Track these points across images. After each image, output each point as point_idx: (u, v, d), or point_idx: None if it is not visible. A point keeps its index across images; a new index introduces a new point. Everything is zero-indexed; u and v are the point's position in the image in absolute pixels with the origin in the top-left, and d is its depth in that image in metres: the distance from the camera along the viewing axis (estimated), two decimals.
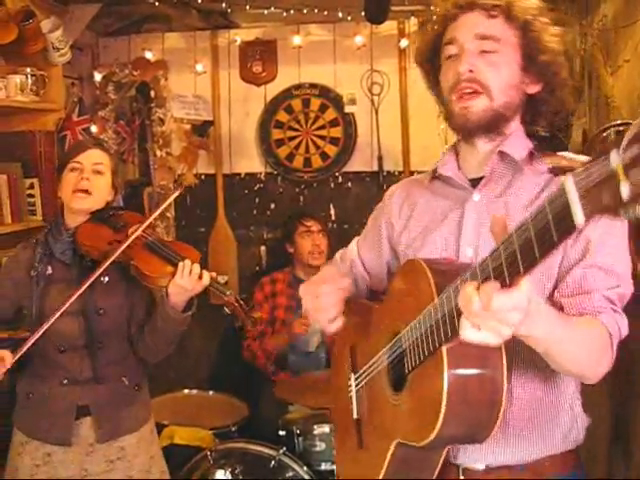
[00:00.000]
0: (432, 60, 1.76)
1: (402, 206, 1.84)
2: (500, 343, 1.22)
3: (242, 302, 2.52)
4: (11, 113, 3.71)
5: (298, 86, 4.78)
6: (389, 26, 4.46)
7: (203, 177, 4.92)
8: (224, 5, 4.26)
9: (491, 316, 1.15)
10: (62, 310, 2.35)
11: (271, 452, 3.18)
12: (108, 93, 4.68)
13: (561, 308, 1.49)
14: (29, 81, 3.60)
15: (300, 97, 4.78)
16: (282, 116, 4.81)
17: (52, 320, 2.33)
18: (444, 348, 1.35)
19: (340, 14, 4.36)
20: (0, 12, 3.25)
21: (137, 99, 4.72)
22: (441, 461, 1.57)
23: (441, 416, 1.36)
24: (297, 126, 4.80)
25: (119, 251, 2.42)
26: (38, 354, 2.46)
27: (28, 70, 3.61)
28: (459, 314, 1.23)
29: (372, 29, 4.52)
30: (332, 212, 4.77)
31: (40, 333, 2.31)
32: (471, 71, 1.61)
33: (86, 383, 2.49)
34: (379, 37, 4.60)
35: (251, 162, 4.90)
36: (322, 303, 1.70)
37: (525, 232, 1.08)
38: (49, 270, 2.52)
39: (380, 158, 4.68)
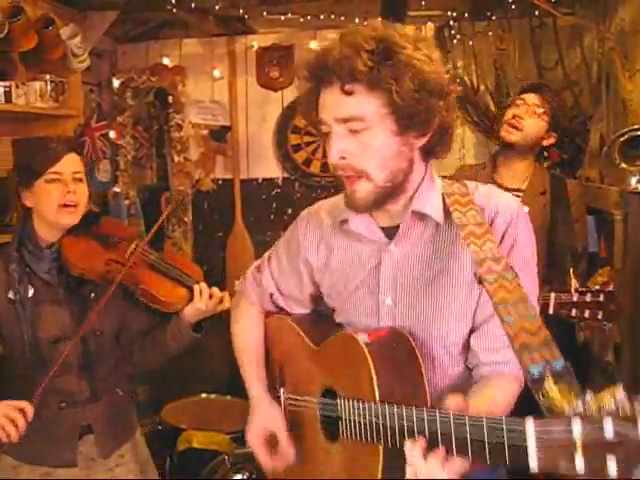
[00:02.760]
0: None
1: (318, 247, 1.81)
2: None
3: None
4: (31, 119, 3.74)
5: None
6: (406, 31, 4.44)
7: (220, 182, 4.95)
8: (241, 11, 4.28)
9: None
10: (79, 334, 2.23)
11: None
12: (126, 99, 4.72)
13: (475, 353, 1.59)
14: (48, 87, 3.63)
15: None
16: (299, 121, 4.81)
17: (64, 355, 2.19)
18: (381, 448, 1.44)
19: (357, 20, 4.37)
20: (20, 20, 3.28)
21: (155, 105, 4.76)
22: None
23: None
24: (314, 131, 4.78)
25: (122, 274, 2.30)
26: (29, 381, 2.24)
27: (48, 77, 3.63)
28: (401, 439, 1.34)
29: None
30: None
31: (52, 372, 2.16)
32: (343, 157, 1.51)
33: (86, 403, 2.37)
34: None
35: (268, 167, 4.92)
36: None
37: (480, 437, 1.17)
38: (31, 291, 2.30)
39: None
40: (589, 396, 1.00)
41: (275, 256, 1.97)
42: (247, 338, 2.03)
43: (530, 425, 1.06)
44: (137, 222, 4.57)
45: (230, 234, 4.94)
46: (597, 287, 2.47)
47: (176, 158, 4.79)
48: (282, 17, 4.38)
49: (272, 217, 4.92)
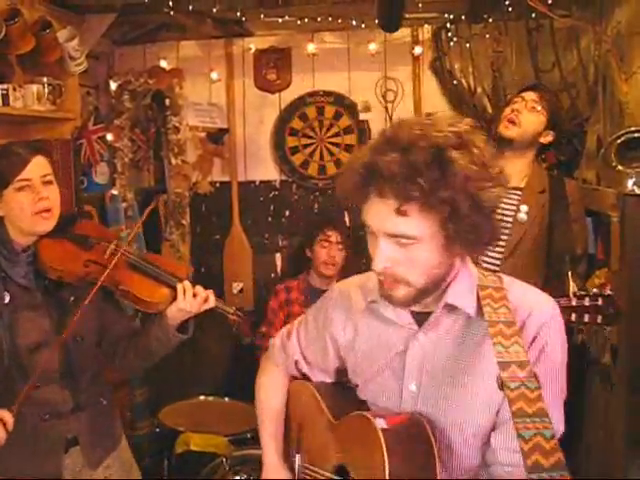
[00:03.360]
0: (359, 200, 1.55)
1: (345, 325, 1.79)
2: None
3: (246, 315, 2.45)
4: (28, 122, 3.75)
5: (312, 93, 4.79)
6: (403, 33, 4.47)
7: (218, 185, 4.95)
8: (239, 14, 4.28)
9: None
10: (61, 341, 2.18)
11: None
12: (124, 101, 4.71)
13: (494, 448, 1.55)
14: (46, 90, 3.64)
15: (314, 104, 4.80)
16: (296, 124, 4.83)
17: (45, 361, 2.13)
18: None
19: (354, 22, 4.38)
20: (17, 22, 3.28)
21: (152, 107, 4.74)
22: None
23: None
24: (312, 133, 4.82)
25: (104, 275, 2.24)
26: (9, 390, 2.16)
27: (45, 79, 3.64)
28: None
29: (386, 36, 4.53)
30: (347, 219, 4.76)
31: (32, 380, 2.09)
32: (387, 266, 1.49)
33: (70, 414, 2.30)
34: (393, 44, 4.61)
35: (266, 169, 4.92)
36: None
37: None
38: (7, 297, 2.21)
39: None
40: None
41: (304, 324, 1.95)
42: (270, 404, 2.00)
43: None
44: (134, 224, 4.57)
45: (228, 236, 4.94)
46: (595, 290, 2.46)
47: (173, 161, 4.78)
48: (280, 20, 4.39)
49: (270, 219, 4.93)
